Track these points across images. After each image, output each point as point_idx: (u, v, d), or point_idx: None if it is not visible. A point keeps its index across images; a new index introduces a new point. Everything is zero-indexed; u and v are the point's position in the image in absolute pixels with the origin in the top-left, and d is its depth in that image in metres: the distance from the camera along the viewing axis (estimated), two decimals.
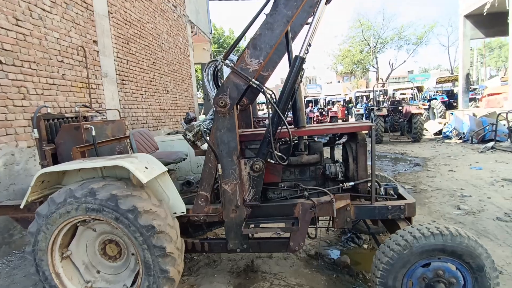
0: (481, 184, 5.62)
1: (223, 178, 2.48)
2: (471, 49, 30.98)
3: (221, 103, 2.34)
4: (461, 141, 10.60)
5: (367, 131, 2.74)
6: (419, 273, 2.12)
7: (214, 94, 2.51)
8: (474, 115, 10.99)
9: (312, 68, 49.50)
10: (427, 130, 13.29)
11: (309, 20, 2.83)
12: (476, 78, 27.74)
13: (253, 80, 2.31)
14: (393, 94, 17.51)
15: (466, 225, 3.92)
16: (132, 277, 2.40)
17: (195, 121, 2.93)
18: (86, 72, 4.12)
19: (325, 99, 24.77)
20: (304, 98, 26.51)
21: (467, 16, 14.06)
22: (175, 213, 2.51)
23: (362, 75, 43.86)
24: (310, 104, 22.95)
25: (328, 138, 3.18)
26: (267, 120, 2.88)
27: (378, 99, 13.78)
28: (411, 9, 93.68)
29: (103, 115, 3.51)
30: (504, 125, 9.18)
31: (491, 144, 8.64)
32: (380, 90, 15.30)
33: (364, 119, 14.93)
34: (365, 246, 3.65)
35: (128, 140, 3.33)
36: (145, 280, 2.20)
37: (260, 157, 2.46)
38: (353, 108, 17.71)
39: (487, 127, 9.56)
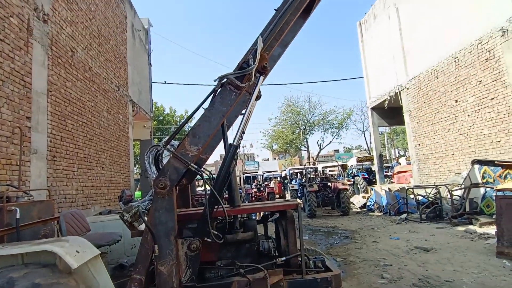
0: (399, 253, 6.24)
1: (160, 259, 2.49)
2: (381, 133, 36.64)
3: (161, 185, 2.50)
4: (381, 213, 11.80)
5: (294, 209, 3.08)
6: None
7: (154, 177, 2.68)
8: (389, 190, 12.56)
9: (250, 146, 52.27)
10: (353, 204, 14.56)
11: (243, 111, 3.33)
12: (388, 157, 32.34)
13: (192, 164, 2.58)
14: (323, 171, 19.21)
15: None
16: None
17: (132, 197, 2.99)
18: (20, 151, 3.95)
19: (262, 175, 25.77)
20: (243, 174, 27.34)
21: (373, 108, 17.16)
22: None
23: (296, 153, 47.57)
24: (256, 180, 23.60)
25: (261, 215, 3.45)
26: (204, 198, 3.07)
27: (309, 176, 14.97)
28: (332, 99, 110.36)
29: (30, 195, 3.32)
30: (413, 198, 10.64)
31: (404, 215, 9.83)
32: (311, 168, 16.71)
33: (298, 194, 15.81)
34: None
35: (56, 222, 3.16)
36: None
37: (197, 236, 2.58)
38: (289, 184, 18.72)
39: (400, 201, 10.95)
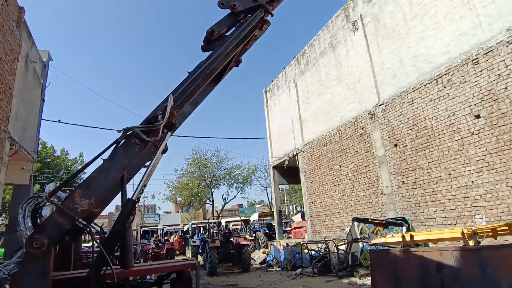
0: None
1: None
2: (281, 190, 39.33)
3: (36, 244, 2.14)
4: (280, 268, 12.15)
5: (193, 268, 3.00)
6: None
7: (28, 233, 2.30)
8: (287, 245, 13.19)
9: (151, 197, 48.82)
10: (254, 259, 14.64)
11: (147, 164, 3.24)
12: (288, 213, 34.55)
13: (80, 220, 2.32)
14: (226, 226, 19.10)
15: None
16: None
17: None
18: None
19: (162, 230, 24.08)
20: (141, 228, 24.89)
21: (275, 167, 18.62)
22: None
23: (200, 207, 46.30)
24: (155, 235, 21.72)
25: (157, 276, 3.21)
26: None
27: (212, 231, 14.67)
28: (239, 155, 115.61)
29: None
30: (307, 253, 11.39)
31: (299, 270, 10.34)
32: (214, 222, 16.45)
33: (200, 250, 15.15)
34: None
35: None
36: None
37: None
38: (190, 239, 17.86)
39: (296, 256, 11.56)
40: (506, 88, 6.96)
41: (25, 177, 12.43)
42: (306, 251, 11.53)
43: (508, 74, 6.92)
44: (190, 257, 15.85)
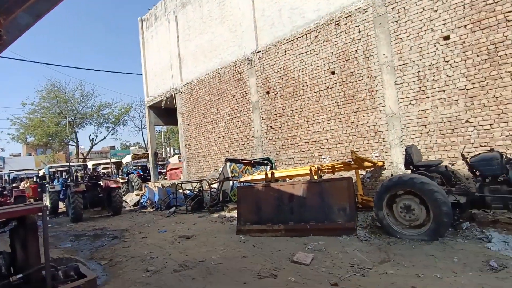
0: (165, 244, 6.69)
1: None
2: (159, 132, 37.89)
3: None
4: (154, 209, 12.23)
5: (39, 213, 2.63)
6: None
7: None
8: (162, 186, 13.21)
9: None
10: (127, 202, 14.18)
11: None
12: (165, 155, 33.97)
13: None
14: (95, 169, 17.44)
15: (152, 284, 4.46)
16: None
17: None
18: None
19: (9, 175, 20.06)
20: None
21: (150, 107, 17.48)
22: None
23: (61, 149, 40.15)
24: None
25: None
26: None
27: (77, 175, 13.17)
28: (109, 91, 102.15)
29: None
30: (182, 192, 11.75)
31: (173, 209, 10.68)
32: (79, 165, 14.72)
33: (61, 196, 13.60)
34: None
35: None
36: None
37: None
38: (48, 185, 15.60)
39: (171, 196, 11.79)
40: (356, 51, 8.28)
41: None
42: (181, 191, 11.88)
43: (360, 39, 8.20)
44: (49, 204, 14.02)
